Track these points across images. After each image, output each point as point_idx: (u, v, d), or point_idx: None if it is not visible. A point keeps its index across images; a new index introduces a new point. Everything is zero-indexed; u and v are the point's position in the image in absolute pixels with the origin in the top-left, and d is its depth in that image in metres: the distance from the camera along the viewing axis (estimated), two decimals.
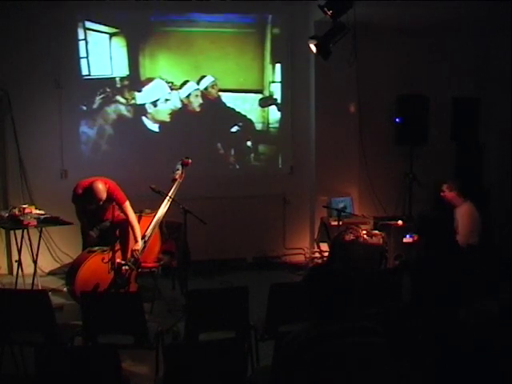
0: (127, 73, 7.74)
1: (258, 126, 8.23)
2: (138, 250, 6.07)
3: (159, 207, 6.23)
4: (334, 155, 8.13)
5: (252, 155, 8.30)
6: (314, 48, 6.53)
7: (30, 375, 3.73)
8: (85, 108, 7.63)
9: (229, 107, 8.09)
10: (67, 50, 7.48)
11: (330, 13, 6.05)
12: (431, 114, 8.23)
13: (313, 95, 8.13)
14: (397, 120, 8.20)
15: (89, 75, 7.61)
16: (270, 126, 8.28)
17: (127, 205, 6.16)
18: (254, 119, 8.21)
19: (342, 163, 8.18)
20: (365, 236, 7.00)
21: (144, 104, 7.84)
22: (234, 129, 8.16)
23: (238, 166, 8.22)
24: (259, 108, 8.21)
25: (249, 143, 8.23)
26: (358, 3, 6.01)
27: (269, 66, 8.14)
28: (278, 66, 8.20)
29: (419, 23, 7.86)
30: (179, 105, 7.94)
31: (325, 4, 6.04)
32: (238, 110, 8.13)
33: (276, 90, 8.23)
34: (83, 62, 7.57)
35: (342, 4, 6.03)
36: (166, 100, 7.91)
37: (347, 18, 6.12)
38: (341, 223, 7.01)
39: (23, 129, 7.34)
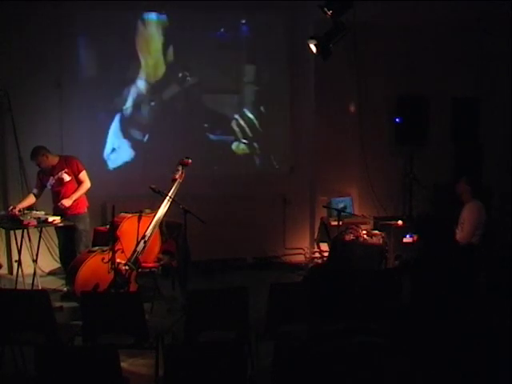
0: (114, 72, 7.71)
1: (256, 126, 8.23)
2: (62, 204, 6.43)
3: (159, 207, 6.24)
4: (334, 155, 8.13)
5: (252, 155, 8.30)
6: (314, 48, 6.53)
7: (30, 375, 3.73)
8: (84, 108, 7.64)
9: (222, 107, 8.07)
10: (67, 49, 7.48)
11: (330, 13, 6.05)
12: (431, 114, 8.23)
13: (313, 95, 8.13)
14: (397, 120, 8.20)
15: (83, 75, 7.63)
16: (268, 126, 8.27)
17: (85, 173, 6.66)
18: (251, 119, 8.20)
19: (342, 163, 8.19)
20: (365, 236, 6.99)
21: (132, 105, 7.82)
22: (232, 127, 8.17)
23: (237, 166, 8.21)
24: (253, 108, 8.19)
25: (247, 142, 8.24)
26: (358, 3, 6.01)
27: (248, 67, 8.10)
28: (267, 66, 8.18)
29: (419, 23, 7.87)
30: (169, 105, 7.91)
31: (325, 4, 6.04)
32: (231, 109, 8.13)
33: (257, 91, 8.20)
34: (82, 62, 7.59)
35: (342, 4, 6.04)
36: (151, 101, 7.90)
37: (347, 18, 6.12)
38: (341, 223, 7.00)
39: (23, 129, 7.33)
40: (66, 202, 6.47)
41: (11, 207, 6.45)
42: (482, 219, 6.38)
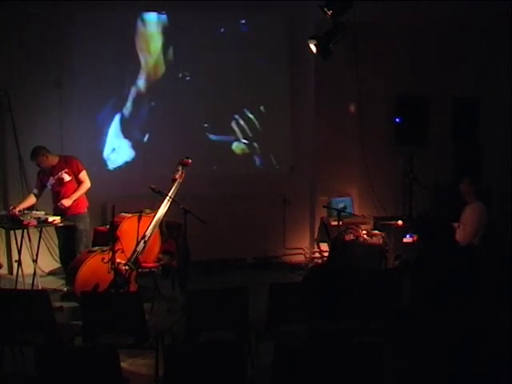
0: (114, 72, 7.72)
1: (256, 126, 8.23)
2: (62, 204, 6.44)
3: (159, 207, 6.24)
4: (334, 155, 8.13)
5: (252, 155, 8.31)
6: (314, 48, 6.53)
7: (30, 375, 3.73)
8: (84, 108, 7.64)
9: (222, 107, 8.05)
10: (67, 49, 7.48)
11: (330, 13, 6.05)
12: (431, 114, 8.23)
13: (313, 95, 8.13)
14: (397, 120, 8.20)
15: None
16: (268, 126, 8.26)
17: (85, 173, 6.67)
18: (251, 119, 8.20)
19: (341, 163, 8.19)
20: (365, 236, 6.99)
21: (132, 105, 7.83)
22: (232, 127, 8.17)
23: (237, 166, 8.21)
24: (253, 108, 8.18)
25: (247, 142, 8.24)
26: (358, 3, 6.01)
27: (248, 67, 8.07)
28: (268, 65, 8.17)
29: (419, 23, 7.87)
30: (169, 105, 7.89)
31: (325, 4, 6.04)
32: (231, 109, 8.13)
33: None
34: (82, 62, 7.58)
35: (342, 4, 6.03)
36: (151, 101, 7.90)
37: (347, 18, 6.12)
38: (341, 223, 7.01)
39: (23, 129, 7.33)
40: (66, 202, 6.47)
41: (11, 207, 6.45)
42: (484, 220, 6.38)
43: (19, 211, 6.33)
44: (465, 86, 8.42)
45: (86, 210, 6.73)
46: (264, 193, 8.14)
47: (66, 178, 6.59)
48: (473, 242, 6.25)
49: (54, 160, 6.61)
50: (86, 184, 6.66)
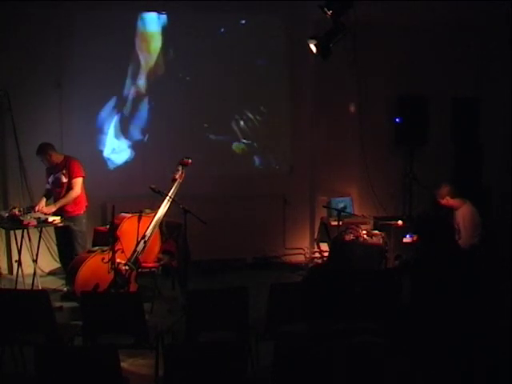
0: (114, 72, 7.71)
1: (257, 126, 8.23)
2: (42, 212, 6.39)
3: (159, 207, 6.24)
4: (334, 155, 8.13)
5: (252, 155, 8.30)
6: (314, 48, 6.53)
7: (30, 375, 3.74)
8: (84, 108, 7.64)
9: (222, 107, 8.04)
10: (67, 49, 7.48)
11: (330, 13, 6.04)
12: (431, 114, 8.24)
13: (313, 95, 8.13)
14: (397, 120, 8.20)
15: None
16: (268, 126, 8.27)
17: (78, 180, 6.57)
18: (251, 119, 8.20)
19: (342, 163, 8.19)
20: (365, 236, 6.99)
21: (132, 105, 7.83)
22: (232, 127, 8.16)
23: (237, 166, 8.20)
24: (253, 108, 8.18)
25: (247, 142, 8.24)
26: (358, 3, 6.01)
27: (248, 67, 8.07)
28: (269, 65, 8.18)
29: (419, 23, 7.87)
30: (169, 105, 7.88)
31: (325, 4, 6.03)
32: (231, 109, 8.12)
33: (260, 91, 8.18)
34: (82, 62, 7.57)
35: (342, 4, 6.03)
36: (151, 101, 7.88)
37: (347, 18, 6.12)
38: (341, 223, 7.00)
39: (23, 129, 7.33)
40: (48, 210, 6.45)
41: (35, 205, 6.53)
42: (477, 221, 6.34)
43: (19, 211, 6.32)
44: (465, 86, 8.42)
45: (82, 212, 6.69)
46: (264, 193, 8.13)
47: (63, 179, 6.58)
48: (472, 242, 6.25)
49: (58, 159, 6.63)
50: (74, 192, 6.56)
